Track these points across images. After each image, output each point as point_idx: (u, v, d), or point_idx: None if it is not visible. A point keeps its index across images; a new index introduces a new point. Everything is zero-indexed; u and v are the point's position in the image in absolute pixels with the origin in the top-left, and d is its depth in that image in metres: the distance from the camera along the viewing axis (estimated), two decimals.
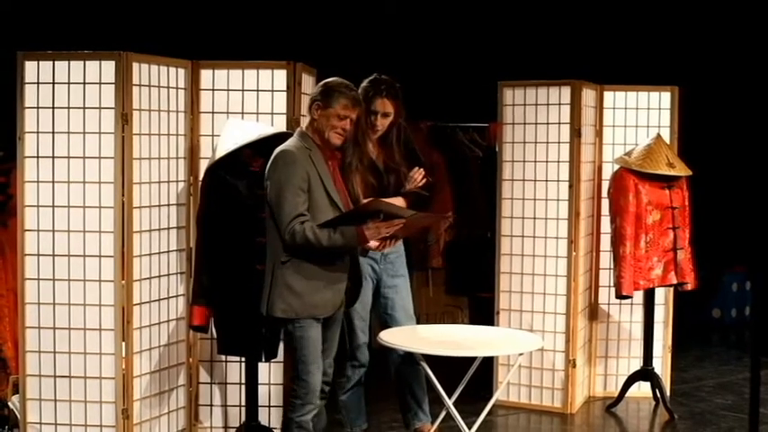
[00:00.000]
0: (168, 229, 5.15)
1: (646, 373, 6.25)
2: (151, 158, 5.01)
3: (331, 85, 4.54)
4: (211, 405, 5.40)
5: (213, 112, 5.27)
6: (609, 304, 6.51)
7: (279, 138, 4.81)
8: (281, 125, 5.19)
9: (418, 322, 5.50)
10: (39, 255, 4.89)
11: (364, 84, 5.06)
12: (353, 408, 5.31)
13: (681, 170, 6.07)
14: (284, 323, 4.49)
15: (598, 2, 8.68)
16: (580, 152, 6.14)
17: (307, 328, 4.45)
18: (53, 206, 4.88)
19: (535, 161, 6.21)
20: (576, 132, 6.11)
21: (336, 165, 4.62)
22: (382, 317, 5.26)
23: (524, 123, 6.24)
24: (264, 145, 4.82)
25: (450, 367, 5.26)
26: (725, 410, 6.31)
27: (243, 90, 5.26)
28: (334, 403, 5.19)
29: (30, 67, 4.86)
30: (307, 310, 4.44)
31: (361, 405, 5.35)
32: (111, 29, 7.29)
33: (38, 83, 4.86)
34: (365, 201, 4.79)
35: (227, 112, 5.24)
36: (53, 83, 4.86)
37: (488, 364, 6.08)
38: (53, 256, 4.88)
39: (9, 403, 5.34)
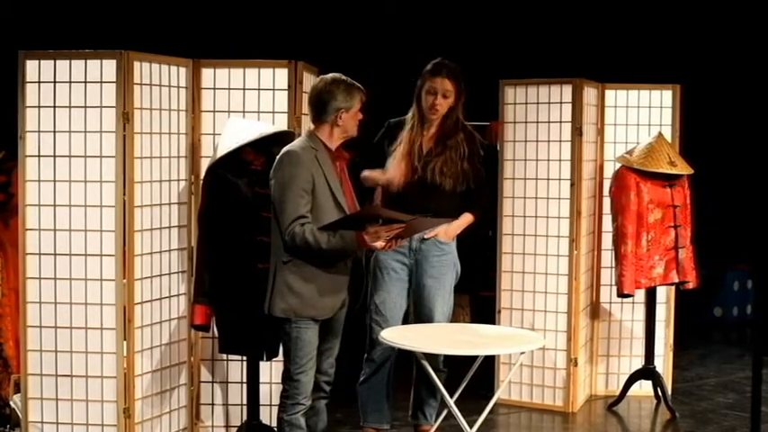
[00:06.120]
0: (169, 227, 5.15)
1: (647, 371, 6.25)
2: (152, 157, 5.01)
3: (346, 85, 4.49)
4: (213, 404, 5.40)
5: (214, 111, 5.27)
6: (610, 303, 6.50)
7: (280, 136, 4.80)
8: (282, 124, 5.18)
9: None
10: (40, 254, 4.89)
11: (426, 68, 5.20)
12: (369, 402, 5.28)
13: (682, 168, 6.06)
14: (283, 322, 4.48)
15: (599, 0, 8.68)
16: (581, 151, 6.13)
17: (304, 329, 4.44)
18: (54, 205, 4.88)
19: (536, 160, 6.21)
20: (577, 131, 6.10)
21: (344, 165, 4.60)
22: (418, 309, 5.26)
23: (526, 122, 6.24)
24: (265, 143, 4.82)
25: (451, 366, 5.26)
26: (726, 409, 6.31)
27: (244, 89, 5.26)
28: (335, 403, 5.17)
29: (31, 66, 4.86)
30: (306, 310, 4.43)
31: (381, 403, 5.29)
32: (112, 28, 7.30)
33: (39, 82, 4.86)
34: (365, 206, 4.79)
35: (229, 111, 5.24)
36: (54, 82, 4.85)
37: (490, 362, 6.07)
38: (54, 255, 4.88)
39: (11, 402, 5.34)
